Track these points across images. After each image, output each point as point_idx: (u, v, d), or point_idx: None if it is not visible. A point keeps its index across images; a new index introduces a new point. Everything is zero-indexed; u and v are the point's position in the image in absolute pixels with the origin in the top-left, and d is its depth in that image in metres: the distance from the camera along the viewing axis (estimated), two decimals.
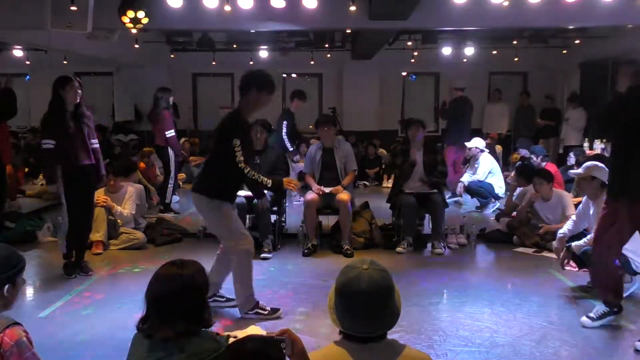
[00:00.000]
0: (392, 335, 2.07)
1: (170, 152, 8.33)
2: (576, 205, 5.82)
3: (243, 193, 6.14)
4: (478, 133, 10.66)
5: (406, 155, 6.63)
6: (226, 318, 4.46)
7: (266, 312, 4.39)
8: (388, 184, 9.67)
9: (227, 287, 4.66)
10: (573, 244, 4.93)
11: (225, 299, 4.66)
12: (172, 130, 8.25)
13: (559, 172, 7.72)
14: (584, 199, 5.27)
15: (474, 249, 6.57)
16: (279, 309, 4.46)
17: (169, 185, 8.32)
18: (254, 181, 4.29)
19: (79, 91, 5.27)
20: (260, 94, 4.35)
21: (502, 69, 13.47)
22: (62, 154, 5.27)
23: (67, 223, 5.39)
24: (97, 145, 5.53)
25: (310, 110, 11.81)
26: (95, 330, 4.21)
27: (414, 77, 14.12)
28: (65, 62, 11.47)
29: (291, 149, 8.71)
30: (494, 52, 12.30)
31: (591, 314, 4.26)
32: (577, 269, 5.27)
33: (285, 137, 8.43)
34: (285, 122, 8.43)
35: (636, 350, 3.85)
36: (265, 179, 4.33)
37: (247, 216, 6.47)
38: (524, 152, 9.06)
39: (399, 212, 6.61)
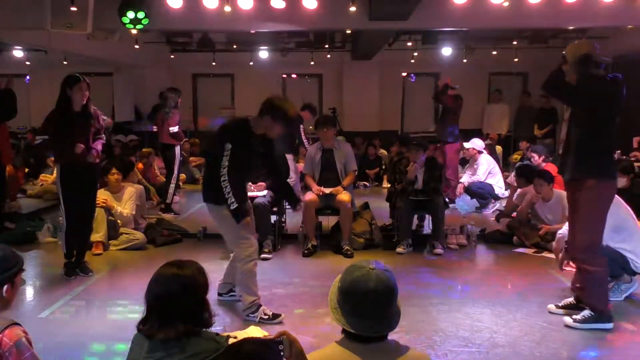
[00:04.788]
0: (392, 335, 2.07)
1: (177, 150, 8.37)
2: None
3: (261, 193, 6.27)
4: (478, 134, 10.66)
5: (405, 172, 6.61)
6: (226, 318, 4.46)
7: (266, 317, 4.35)
8: (388, 184, 9.68)
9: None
10: None
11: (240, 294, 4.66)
12: (177, 127, 8.32)
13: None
14: None
15: (474, 250, 6.57)
16: (280, 315, 4.40)
17: (171, 185, 8.34)
18: (220, 188, 4.17)
19: (87, 92, 5.26)
20: (274, 125, 4.38)
21: (502, 69, 13.47)
22: (64, 153, 5.28)
23: (66, 223, 5.39)
24: (100, 141, 5.50)
25: None
26: (95, 330, 4.21)
27: (413, 77, 14.12)
28: (65, 62, 11.47)
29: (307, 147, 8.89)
30: (494, 52, 12.30)
31: (559, 303, 4.49)
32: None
33: (304, 138, 8.63)
34: (301, 126, 8.63)
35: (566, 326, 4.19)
36: (232, 200, 4.17)
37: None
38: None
39: (395, 214, 6.67)
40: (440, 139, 9.13)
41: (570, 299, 4.50)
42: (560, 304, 4.51)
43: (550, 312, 4.49)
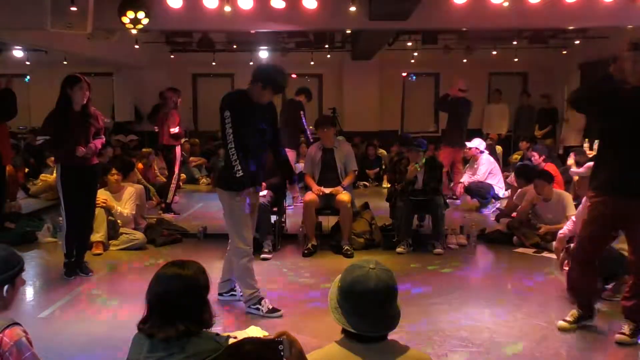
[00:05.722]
0: (392, 335, 2.07)
1: (178, 150, 8.38)
2: (576, 206, 5.81)
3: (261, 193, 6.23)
4: (478, 134, 10.65)
5: (405, 173, 6.61)
6: (226, 318, 4.46)
7: (266, 310, 4.45)
8: (388, 184, 9.68)
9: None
10: (572, 244, 4.92)
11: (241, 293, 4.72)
12: (177, 128, 8.33)
13: (559, 172, 7.71)
14: (584, 199, 5.26)
15: (474, 250, 6.57)
16: (279, 310, 4.49)
17: (172, 185, 8.34)
18: (229, 160, 4.26)
19: (87, 92, 5.26)
20: (265, 90, 4.41)
21: (502, 69, 13.47)
22: (64, 153, 5.27)
23: (66, 223, 5.39)
24: (100, 140, 5.48)
25: (310, 110, 11.81)
26: (95, 330, 4.21)
27: (413, 77, 14.12)
28: (65, 62, 11.47)
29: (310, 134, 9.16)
30: (494, 52, 12.30)
31: (567, 318, 4.23)
32: None
33: (305, 125, 8.76)
34: (302, 112, 8.77)
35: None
36: (238, 168, 4.22)
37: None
38: None
39: (395, 214, 6.68)
40: (457, 146, 9.11)
41: (575, 311, 4.25)
42: (568, 319, 4.22)
43: (560, 330, 4.18)
